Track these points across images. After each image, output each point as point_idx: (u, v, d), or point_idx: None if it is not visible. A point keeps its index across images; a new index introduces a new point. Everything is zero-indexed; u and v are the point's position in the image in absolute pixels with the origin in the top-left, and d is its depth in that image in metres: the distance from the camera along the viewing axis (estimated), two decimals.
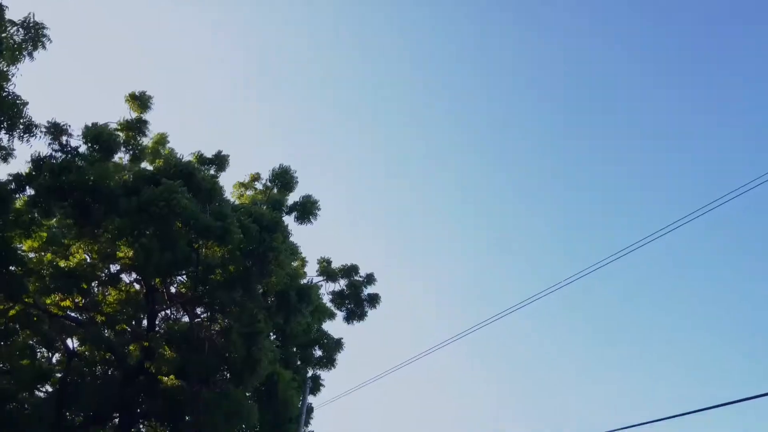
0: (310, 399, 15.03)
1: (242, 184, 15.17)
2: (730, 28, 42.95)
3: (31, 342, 14.20)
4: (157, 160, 13.45)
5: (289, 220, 13.96)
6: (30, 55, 11.18)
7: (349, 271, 15.12)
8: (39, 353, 14.55)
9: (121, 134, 12.73)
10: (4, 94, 11.04)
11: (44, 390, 14.47)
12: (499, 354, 47.58)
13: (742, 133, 42.17)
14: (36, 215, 12.60)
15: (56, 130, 11.97)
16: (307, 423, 14.65)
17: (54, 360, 14.94)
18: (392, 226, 53.62)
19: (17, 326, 13.63)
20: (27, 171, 11.75)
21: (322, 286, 15.05)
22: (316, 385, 15.52)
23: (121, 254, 12.94)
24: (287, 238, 13.08)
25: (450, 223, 52.87)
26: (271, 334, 13.90)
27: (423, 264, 53.99)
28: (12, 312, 13.30)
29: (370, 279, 15.19)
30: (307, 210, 14.11)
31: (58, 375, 14.41)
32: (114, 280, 13.77)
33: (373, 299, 15.24)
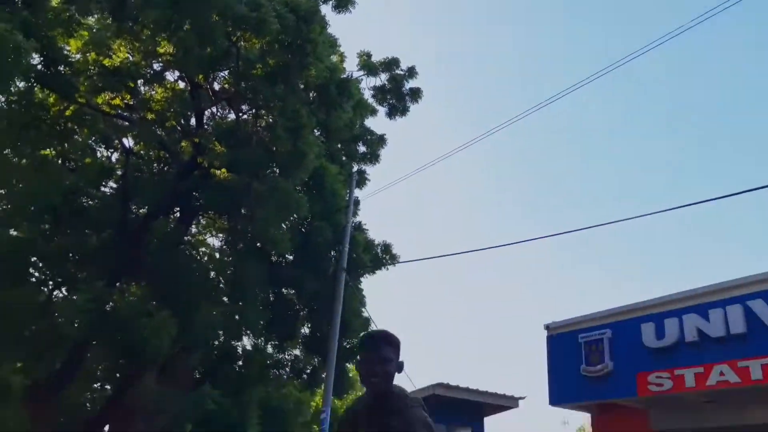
0: (356, 192, 15.71)
1: None
2: None
3: (90, 141, 14.91)
4: None
5: (326, 10, 13.42)
6: None
7: (390, 64, 14.76)
8: (99, 152, 15.37)
9: None
10: None
11: (109, 186, 15.49)
12: (542, 147, 47.89)
13: None
14: (74, 13, 12.50)
15: None
16: (354, 214, 15.46)
17: (114, 159, 15.77)
18: (432, 18, 51.51)
19: (75, 126, 14.23)
20: None
21: (362, 80, 14.89)
22: (361, 179, 16.11)
23: (161, 50, 12.93)
24: (325, 29, 12.70)
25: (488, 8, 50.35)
26: (315, 130, 14.16)
27: (463, 57, 52.51)
28: (68, 112, 13.82)
29: (411, 72, 14.84)
30: None
31: (119, 173, 15.26)
32: (158, 77, 13.93)
33: (415, 93, 15.04)
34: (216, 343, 13.83)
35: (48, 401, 13.80)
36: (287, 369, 16.96)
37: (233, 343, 15.61)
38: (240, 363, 15.82)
